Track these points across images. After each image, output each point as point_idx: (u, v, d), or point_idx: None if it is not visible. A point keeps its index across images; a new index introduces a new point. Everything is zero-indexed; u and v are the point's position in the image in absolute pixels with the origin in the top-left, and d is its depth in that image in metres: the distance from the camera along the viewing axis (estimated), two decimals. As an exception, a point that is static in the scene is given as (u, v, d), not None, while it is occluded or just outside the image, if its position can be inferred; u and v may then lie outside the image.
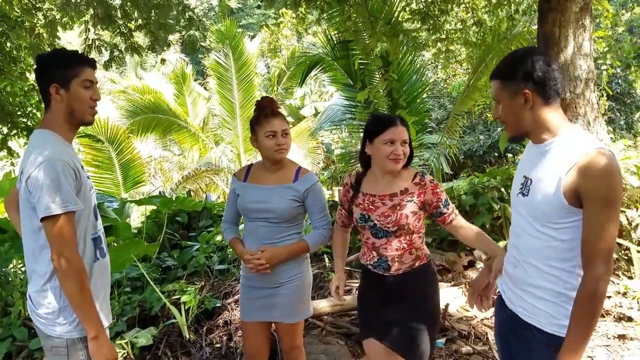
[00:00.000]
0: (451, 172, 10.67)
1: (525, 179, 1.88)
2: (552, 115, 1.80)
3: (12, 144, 7.29)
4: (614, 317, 4.08)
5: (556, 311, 1.80)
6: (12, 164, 8.24)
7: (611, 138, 5.56)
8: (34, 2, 5.83)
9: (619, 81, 13.44)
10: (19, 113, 6.51)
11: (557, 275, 1.79)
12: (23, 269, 4.78)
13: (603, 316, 4.12)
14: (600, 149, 1.68)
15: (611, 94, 10.27)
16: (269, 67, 21.38)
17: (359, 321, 2.65)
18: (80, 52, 2.17)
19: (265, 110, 2.62)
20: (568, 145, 1.75)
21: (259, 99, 2.74)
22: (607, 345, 3.72)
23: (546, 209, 1.76)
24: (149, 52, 6.01)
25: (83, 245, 2.00)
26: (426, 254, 2.47)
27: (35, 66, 2.09)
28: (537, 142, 1.86)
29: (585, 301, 1.67)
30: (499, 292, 2.09)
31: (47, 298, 1.98)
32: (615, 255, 4.81)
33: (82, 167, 2.07)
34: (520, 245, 1.91)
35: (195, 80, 18.92)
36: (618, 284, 4.50)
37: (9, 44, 6.16)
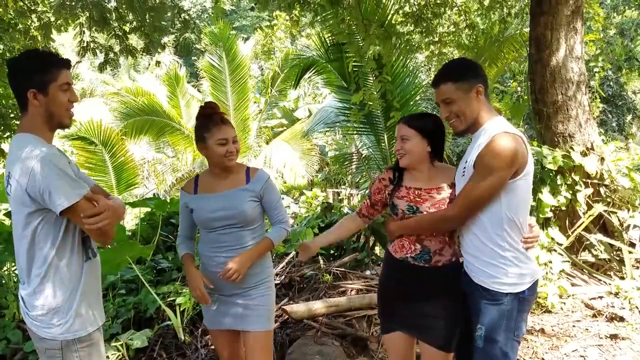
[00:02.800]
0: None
1: (465, 163, 2.24)
2: (486, 107, 2.19)
3: (5, 146, 7.27)
4: (606, 317, 4.13)
5: (494, 270, 2.15)
6: (5, 167, 8.20)
7: (603, 140, 5.61)
8: (28, 5, 5.82)
9: (611, 83, 13.57)
10: (12, 115, 6.49)
11: (492, 239, 2.14)
12: (17, 271, 4.76)
13: (595, 316, 4.17)
14: (502, 132, 2.06)
15: (603, 96, 10.35)
16: (262, 69, 21.38)
17: (381, 313, 2.65)
18: (55, 53, 2.15)
19: (215, 117, 2.58)
20: (487, 132, 2.11)
21: (203, 104, 2.69)
22: (599, 345, 3.76)
23: None
24: (144, 54, 6.01)
25: (73, 243, 2.01)
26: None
27: (8, 72, 2.03)
28: (473, 132, 2.21)
29: (430, 217, 2.30)
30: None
31: (40, 300, 1.98)
32: (606, 256, 4.85)
33: (70, 160, 2.09)
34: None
35: (188, 82, 18.86)
36: (610, 284, 4.54)
37: (2, 47, 6.14)
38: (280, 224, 2.71)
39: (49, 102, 1.97)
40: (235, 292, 2.61)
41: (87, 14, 5.31)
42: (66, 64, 2.04)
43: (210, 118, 2.58)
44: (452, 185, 2.39)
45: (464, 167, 2.24)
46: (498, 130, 2.07)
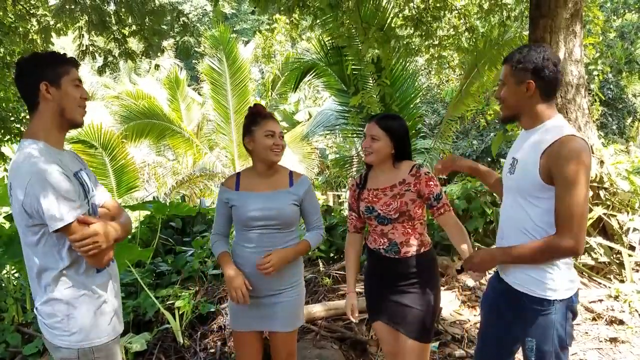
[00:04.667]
0: (445, 177, 10.72)
1: (513, 160, 2.17)
2: (545, 108, 2.07)
3: (5, 149, 7.29)
4: (605, 320, 4.11)
5: (541, 275, 2.04)
6: (6, 170, 8.22)
7: (603, 143, 5.61)
8: (27, 8, 5.83)
9: (611, 86, 13.57)
10: (12, 119, 6.51)
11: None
12: (17, 274, 4.77)
13: (595, 319, 4.16)
14: (569, 135, 1.95)
15: (603, 99, 10.35)
16: (263, 72, 21.42)
17: (366, 304, 2.76)
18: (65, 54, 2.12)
19: (262, 112, 2.64)
20: (548, 132, 2.02)
21: (252, 105, 2.74)
22: (599, 349, 3.75)
23: (526, 185, 2.06)
24: (143, 57, 6.02)
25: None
26: (429, 241, 2.63)
27: (17, 71, 1.97)
28: (526, 127, 2.14)
29: (543, 248, 1.99)
30: (496, 269, 2.32)
31: (54, 308, 1.93)
32: (606, 259, 4.85)
33: (78, 170, 2.03)
34: (506, 218, 2.21)
35: (189, 85, 18.91)
36: (610, 287, 4.53)
37: (2, 50, 6.16)
38: (319, 229, 2.73)
39: (62, 95, 1.91)
40: (269, 294, 2.60)
41: (87, 18, 5.33)
42: (75, 63, 2.01)
43: (258, 114, 2.63)
44: (402, 182, 2.50)
45: (511, 164, 2.16)
46: (566, 133, 1.96)
